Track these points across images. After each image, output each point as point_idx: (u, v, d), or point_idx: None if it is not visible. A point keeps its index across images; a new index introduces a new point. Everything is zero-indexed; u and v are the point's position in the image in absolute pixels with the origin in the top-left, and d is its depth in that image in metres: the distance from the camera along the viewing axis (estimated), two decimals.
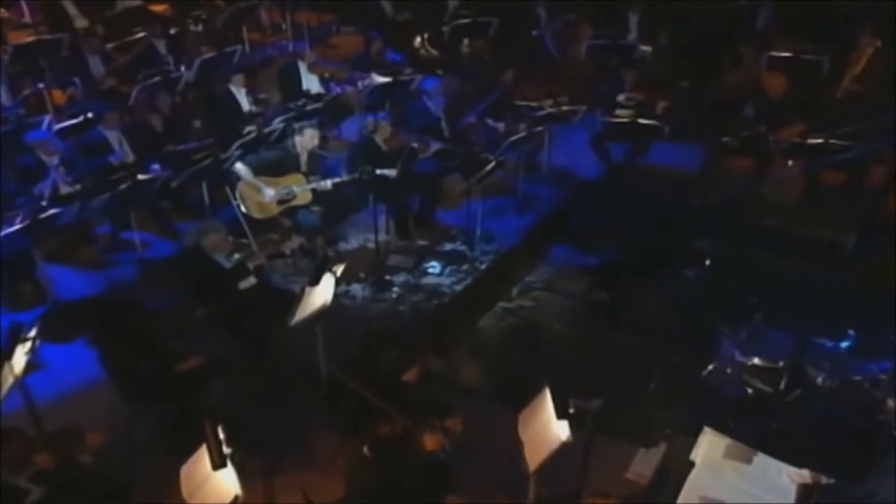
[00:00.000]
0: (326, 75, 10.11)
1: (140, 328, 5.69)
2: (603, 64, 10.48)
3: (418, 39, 11.74)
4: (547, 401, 4.48)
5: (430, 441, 4.94)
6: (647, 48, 10.63)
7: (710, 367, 6.04)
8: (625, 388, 6.07)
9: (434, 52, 11.63)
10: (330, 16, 13.43)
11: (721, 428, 4.93)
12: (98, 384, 5.96)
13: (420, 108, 9.20)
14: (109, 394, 5.83)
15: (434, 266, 7.93)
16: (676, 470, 4.60)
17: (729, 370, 5.94)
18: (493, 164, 7.98)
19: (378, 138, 8.24)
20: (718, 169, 9.03)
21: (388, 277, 7.70)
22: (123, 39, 10.59)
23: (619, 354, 6.71)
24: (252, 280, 6.35)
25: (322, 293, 5.73)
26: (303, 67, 10.00)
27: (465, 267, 7.94)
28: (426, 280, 7.76)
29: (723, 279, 6.74)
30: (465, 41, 11.34)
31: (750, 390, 5.84)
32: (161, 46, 10.52)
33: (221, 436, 4.02)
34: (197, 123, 9.01)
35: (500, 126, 9.06)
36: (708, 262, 6.77)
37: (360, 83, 9.79)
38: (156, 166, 7.95)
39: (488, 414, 5.87)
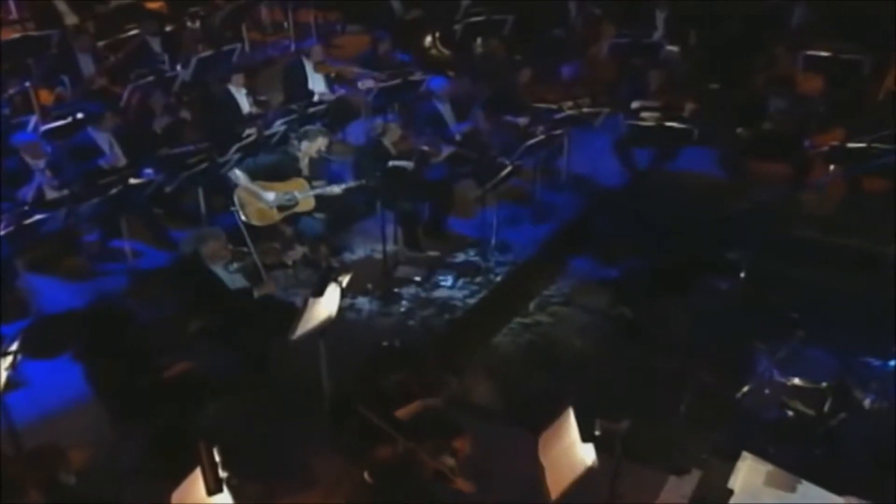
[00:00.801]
0: (333, 75, 10.11)
1: (129, 343, 5.65)
2: (627, 64, 10.46)
3: (429, 39, 11.74)
4: (571, 422, 4.41)
5: (437, 465, 4.89)
6: (674, 48, 10.60)
7: (746, 388, 5.96)
8: (652, 410, 6.00)
9: (445, 52, 11.64)
10: (334, 14, 13.44)
11: (760, 454, 4.82)
12: (84, 403, 5.89)
13: (427, 109, 9.18)
14: (96, 413, 5.77)
15: (445, 278, 7.87)
16: (712, 498, 4.49)
17: (767, 391, 5.84)
18: (508, 169, 7.92)
19: (387, 141, 8.20)
20: (751, 175, 8.99)
21: (396, 290, 7.65)
22: (116, 37, 10.57)
23: (645, 374, 6.65)
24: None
25: (326, 305, 5.67)
26: (309, 66, 9.99)
27: (478, 279, 7.88)
28: (437, 293, 7.70)
29: (759, 292, 6.63)
30: (479, 40, 11.30)
31: (790, 413, 5.74)
32: (155, 44, 10.51)
33: (217, 458, 3.96)
34: (193, 125, 8.97)
35: (521, 121, 8.97)
36: (742, 275, 6.63)
37: (360, 83, 9.80)
38: (149, 170, 7.92)
39: (504, 437, 5.83)
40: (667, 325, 7.18)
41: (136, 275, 7.75)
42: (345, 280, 5.76)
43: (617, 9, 11.46)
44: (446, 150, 8.65)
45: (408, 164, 7.85)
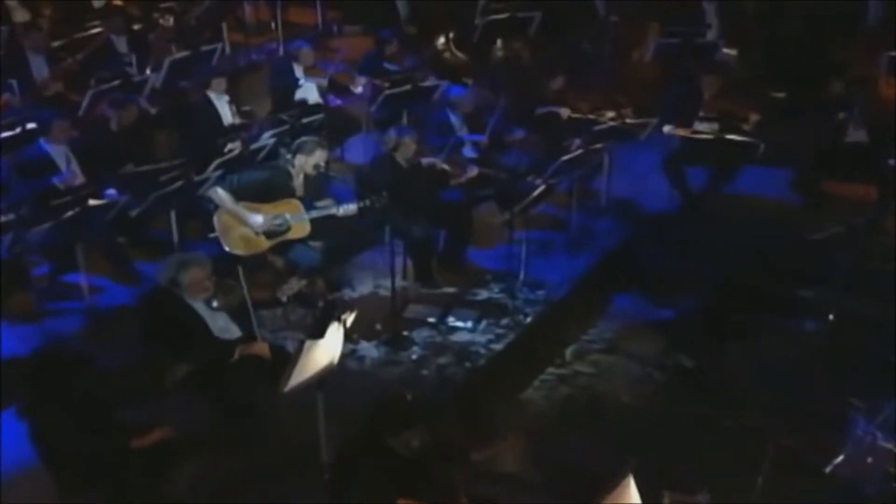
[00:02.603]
0: (325, 80, 10.19)
1: (85, 395, 5.54)
2: (677, 68, 10.53)
3: (441, 40, 11.90)
4: (632, 494, 4.30)
5: None
6: (731, 50, 10.70)
7: (842, 456, 5.84)
8: (722, 481, 5.78)
9: (460, 56, 11.79)
10: (331, 14, 13.67)
11: None
12: (29, 467, 5.74)
13: (442, 122, 9.21)
14: (43, 479, 5.60)
15: (465, 320, 7.81)
16: None
17: (869, 460, 5.71)
18: (539, 190, 7.92)
19: (400, 157, 8.18)
20: (828, 198, 9.05)
21: (406, 333, 7.61)
22: (74, 35, 10.67)
23: (709, 437, 6.56)
24: (235, 331, 6.24)
25: (327, 349, 5.54)
26: (298, 71, 10.07)
27: (504, 321, 7.83)
28: (454, 337, 7.66)
29: (851, 337, 6.49)
30: (500, 42, 11.31)
31: None
32: (121, 44, 10.59)
33: None
34: (164, 138, 9.07)
35: (563, 112, 9.10)
36: (832, 316, 6.50)
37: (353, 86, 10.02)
38: (111, 191, 7.93)
39: None
40: (734, 376, 7.12)
41: (94, 314, 7.71)
42: (350, 317, 5.67)
43: (664, 3, 11.59)
44: (472, 171, 8.65)
45: (436, 161, 7.98)
